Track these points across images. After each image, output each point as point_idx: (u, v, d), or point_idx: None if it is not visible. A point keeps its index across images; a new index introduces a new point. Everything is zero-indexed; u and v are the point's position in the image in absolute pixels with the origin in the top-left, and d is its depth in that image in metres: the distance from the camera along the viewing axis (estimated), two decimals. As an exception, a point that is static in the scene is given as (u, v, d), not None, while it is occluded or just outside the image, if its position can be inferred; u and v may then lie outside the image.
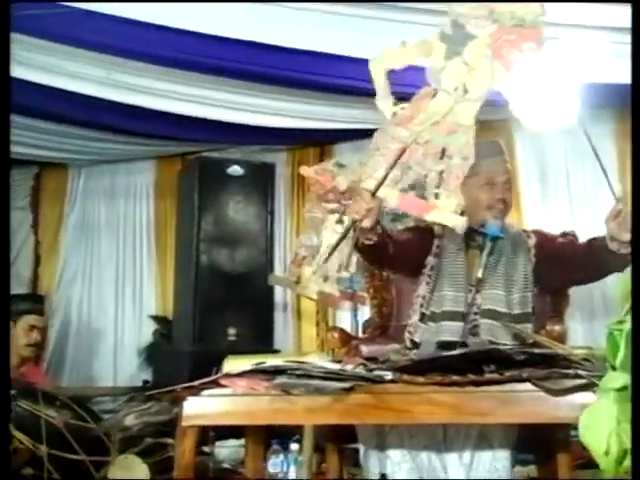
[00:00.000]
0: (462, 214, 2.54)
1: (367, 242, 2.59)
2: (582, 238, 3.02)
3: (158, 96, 5.11)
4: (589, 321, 5.37)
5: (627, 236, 2.37)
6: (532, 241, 2.89)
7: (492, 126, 5.82)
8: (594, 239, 2.74)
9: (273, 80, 4.80)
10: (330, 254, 2.83)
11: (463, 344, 2.55)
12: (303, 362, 2.26)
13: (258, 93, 5.03)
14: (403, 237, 2.90)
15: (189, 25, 4.17)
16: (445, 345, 2.59)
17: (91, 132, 5.97)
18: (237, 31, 4.18)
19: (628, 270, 1.46)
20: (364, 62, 4.26)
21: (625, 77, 4.21)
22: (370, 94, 4.82)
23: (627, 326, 1.35)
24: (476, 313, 2.70)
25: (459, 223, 2.51)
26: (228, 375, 2.21)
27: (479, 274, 2.67)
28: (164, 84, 4.95)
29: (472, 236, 2.83)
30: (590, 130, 5.48)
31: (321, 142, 6.37)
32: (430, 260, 2.88)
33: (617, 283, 1.47)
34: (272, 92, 5.01)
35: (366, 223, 2.50)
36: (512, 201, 2.93)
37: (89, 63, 4.64)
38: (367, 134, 6.01)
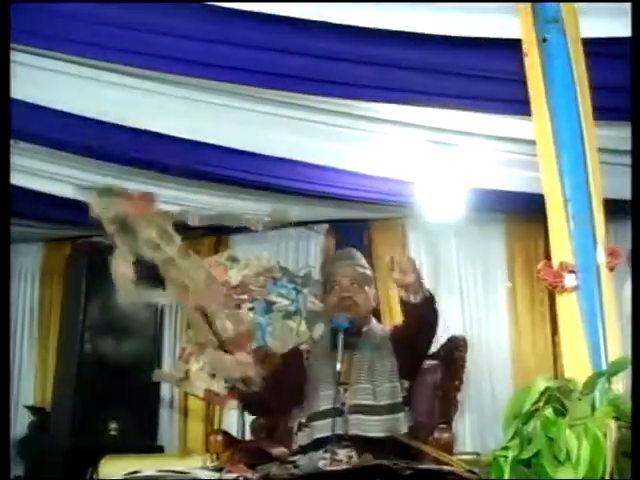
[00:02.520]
0: None
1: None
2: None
3: (45, 178, 5.03)
4: (479, 424, 5.41)
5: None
6: (388, 332, 3.03)
7: (387, 224, 5.95)
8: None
9: (168, 169, 4.76)
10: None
11: (339, 437, 2.62)
12: (180, 472, 2.15)
13: (151, 181, 4.95)
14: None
15: (83, 109, 4.09)
16: (319, 442, 2.67)
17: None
18: (129, 118, 4.12)
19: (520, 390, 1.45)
20: (258, 157, 4.36)
21: (515, 185, 4.45)
22: (266, 188, 4.92)
23: (511, 453, 1.30)
24: (343, 411, 2.75)
25: None
26: (97, 486, 2.08)
27: (337, 367, 2.73)
28: (51, 166, 4.87)
29: (334, 338, 2.86)
30: (481, 231, 5.73)
31: (216, 232, 6.31)
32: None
33: (507, 402, 1.44)
34: (166, 181, 4.96)
35: None
36: (366, 301, 3.03)
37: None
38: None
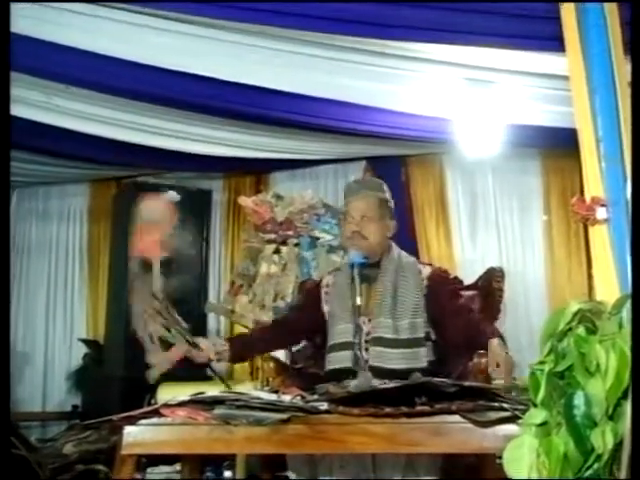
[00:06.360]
0: None
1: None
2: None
3: (95, 121, 5.11)
4: (515, 352, 5.55)
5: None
6: (426, 272, 3.01)
7: (425, 160, 6.04)
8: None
9: (210, 110, 4.88)
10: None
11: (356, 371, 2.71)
12: (240, 393, 2.31)
13: (195, 122, 5.09)
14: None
15: (129, 54, 4.20)
16: (335, 373, 2.81)
17: (26, 154, 5.91)
18: (176, 62, 4.22)
19: (555, 312, 1.58)
20: (299, 97, 4.46)
21: (551, 120, 4.49)
22: (305, 127, 5.02)
23: (547, 367, 1.47)
24: (367, 341, 2.85)
25: None
26: (167, 405, 2.25)
27: (357, 302, 2.76)
28: (100, 110, 4.96)
29: (352, 272, 2.88)
30: (517, 166, 5.78)
31: (258, 170, 6.44)
32: (324, 306, 3.12)
33: (543, 323, 1.58)
34: (209, 121, 5.08)
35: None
36: (376, 234, 2.97)
37: (28, 87, 4.62)
38: (302, 163, 6.21)
